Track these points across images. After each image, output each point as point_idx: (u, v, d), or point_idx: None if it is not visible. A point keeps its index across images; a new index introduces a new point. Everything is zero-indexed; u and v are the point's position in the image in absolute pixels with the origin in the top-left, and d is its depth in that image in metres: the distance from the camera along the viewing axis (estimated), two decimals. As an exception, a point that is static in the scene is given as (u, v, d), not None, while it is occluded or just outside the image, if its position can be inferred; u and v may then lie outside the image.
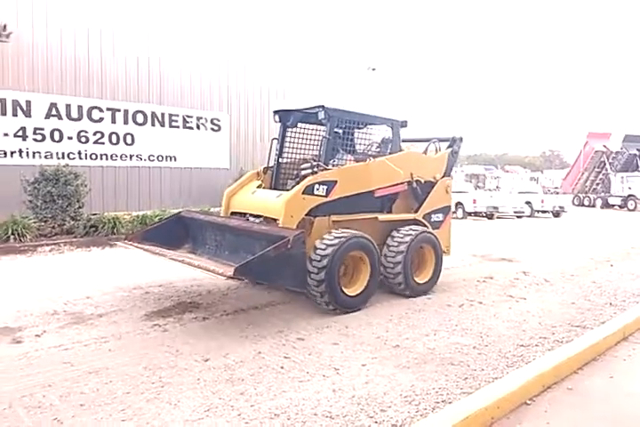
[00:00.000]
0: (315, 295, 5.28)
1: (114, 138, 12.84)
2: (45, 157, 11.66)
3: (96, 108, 12.51)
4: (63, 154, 11.98)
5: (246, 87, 15.36)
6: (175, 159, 13.98)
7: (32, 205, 10.42)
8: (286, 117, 6.57)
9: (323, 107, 5.91)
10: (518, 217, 21.03)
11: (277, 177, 6.66)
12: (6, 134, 11.17)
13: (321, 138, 6.22)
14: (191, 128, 14.37)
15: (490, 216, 19.93)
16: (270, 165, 6.70)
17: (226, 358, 4.13)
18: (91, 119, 12.44)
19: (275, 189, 6.45)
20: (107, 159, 12.73)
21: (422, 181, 6.72)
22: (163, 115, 13.73)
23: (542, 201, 22.15)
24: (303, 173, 5.86)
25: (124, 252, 8.00)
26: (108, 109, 12.72)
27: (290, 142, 6.79)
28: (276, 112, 6.62)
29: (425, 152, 7.22)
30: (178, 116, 14.05)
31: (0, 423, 3.04)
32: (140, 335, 4.69)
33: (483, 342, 4.61)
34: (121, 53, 12.85)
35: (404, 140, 7.17)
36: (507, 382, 3.66)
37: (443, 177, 7.04)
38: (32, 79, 11.53)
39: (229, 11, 14.83)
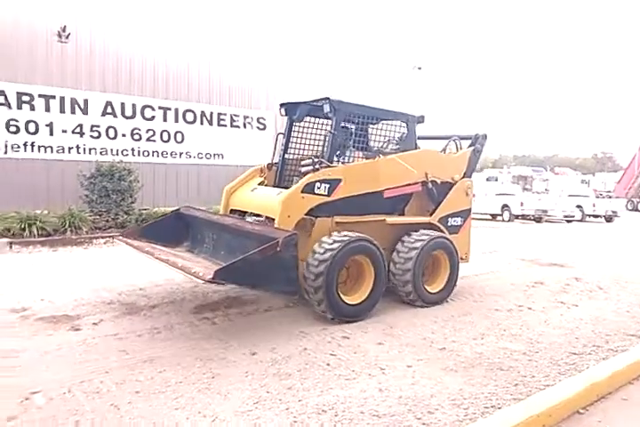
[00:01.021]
0: (312, 303, 4.99)
1: (165, 136, 13.24)
2: (101, 153, 12.15)
3: (148, 106, 12.92)
4: (117, 150, 12.44)
5: (291, 86, 15.49)
6: (222, 157, 14.27)
7: (88, 199, 10.90)
8: (293, 111, 6.18)
9: (328, 99, 5.53)
10: (568, 221, 20.34)
11: (282, 174, 6.32)
12: (64, 131, 11.70)
13: (326, 133, 5.81)
14: (238, 127, 14.63)
15: (538, 220, 19.37)
16: (275, 162, 6.37)
17: (273, 353, 4.20)
18: (143, 117, 12.86)
19: (279, 186, 6.10)
20: (157, 156, 13.13)
21: (439, 181, 6.22)
22: (211, 114, 14.04)
23: (594, 205, 21.34)
24: (303, 169, 5.45)
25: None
26: (160, 108, 13.12)
27: (297, 137, 6.44)
28: (282, 105, 6.27)
29: (444, 151, 6.64)
30: (225, 115, 14.33)
31: (61, 407, 3.20)
32: (190, 327, 4.84)
33: (533, 349, 4.50)
34: (173, 54, 13.23)
35: (423, 138, 6.75)
36: (559, 389, 3.56)
37: (463, 178, 6.52)
38: (89, 78, 12.02)
39: (275, 12, 14.99)
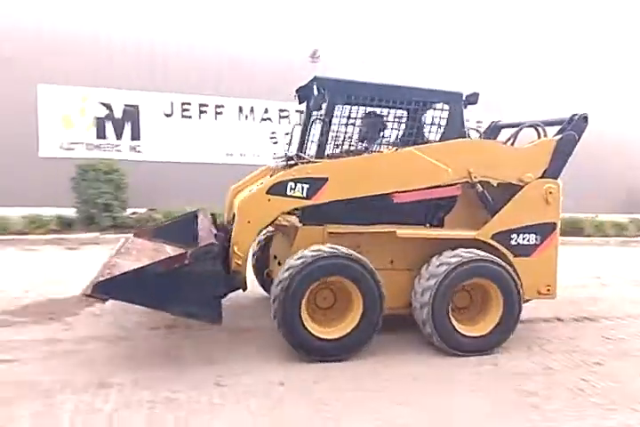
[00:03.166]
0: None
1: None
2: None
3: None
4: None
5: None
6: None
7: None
8: (308, 97, 5.09)
9: (315, 78, 4.53)
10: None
11: None
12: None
13: (321, 120, 4.55)
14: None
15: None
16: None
17: (514, 367, 4.07)
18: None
19: None
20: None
21: (494, 183, 4.62)
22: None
23: None
24: (274, 165, 4.59)
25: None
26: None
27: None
28: (297, 90, 5.24)
29: (512, 141, 4.95)
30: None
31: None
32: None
33: None
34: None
35: (506, 126, 5.37)
36: None
37: (542, 178, 4.65)
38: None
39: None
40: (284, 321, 3.89)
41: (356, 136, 4.84)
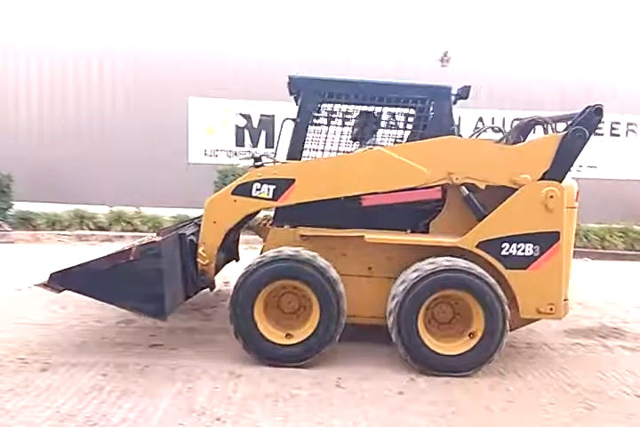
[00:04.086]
0: None
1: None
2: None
3: (517, 119, 12.89)
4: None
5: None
6: (596, 169, 13.02)
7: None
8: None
9: (290, 78, 4.42)
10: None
11: None
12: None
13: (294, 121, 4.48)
14: (617, 135, 13.03)
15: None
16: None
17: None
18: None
19: None
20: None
21: (482, 185, 4.07)
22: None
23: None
24: (241, 165, 4.35)
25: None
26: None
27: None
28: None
29: (508, 140, 4.33)
30: (604, 123, 12.97)
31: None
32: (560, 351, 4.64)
33: None
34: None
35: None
36: None
37: (541, 179, 4.00)
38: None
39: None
40: (237, 324, 3.89)
41: (339, 136, 4.75)
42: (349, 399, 3.46)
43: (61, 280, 3.78)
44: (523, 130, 4.56)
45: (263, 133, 12.46)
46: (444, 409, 3.38)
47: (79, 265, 3.76)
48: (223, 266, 5.12)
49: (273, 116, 12.34)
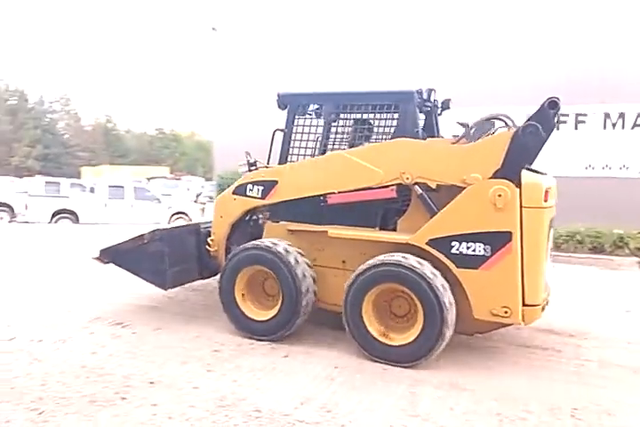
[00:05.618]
0: None
1: None
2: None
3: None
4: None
5: None
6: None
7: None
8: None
9: (277, 95, 5.10)
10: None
11: None
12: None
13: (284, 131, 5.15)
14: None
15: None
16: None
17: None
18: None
19: None
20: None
21: (432, 184, 4.17)
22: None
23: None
24: (240, 170, 5.16)
25: None
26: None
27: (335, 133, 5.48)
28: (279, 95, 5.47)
29: (464, 139, 4.24)
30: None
31: None
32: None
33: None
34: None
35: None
36: None
37: (492, 178, 3.88)
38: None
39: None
40: (224, 304, 4.74)
41: (323, 141, 5.04)
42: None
43: (106, 255, 5.04)
44: (482, 127, 4.45)
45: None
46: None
47: (117, 244, 4.99)
48: None
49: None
